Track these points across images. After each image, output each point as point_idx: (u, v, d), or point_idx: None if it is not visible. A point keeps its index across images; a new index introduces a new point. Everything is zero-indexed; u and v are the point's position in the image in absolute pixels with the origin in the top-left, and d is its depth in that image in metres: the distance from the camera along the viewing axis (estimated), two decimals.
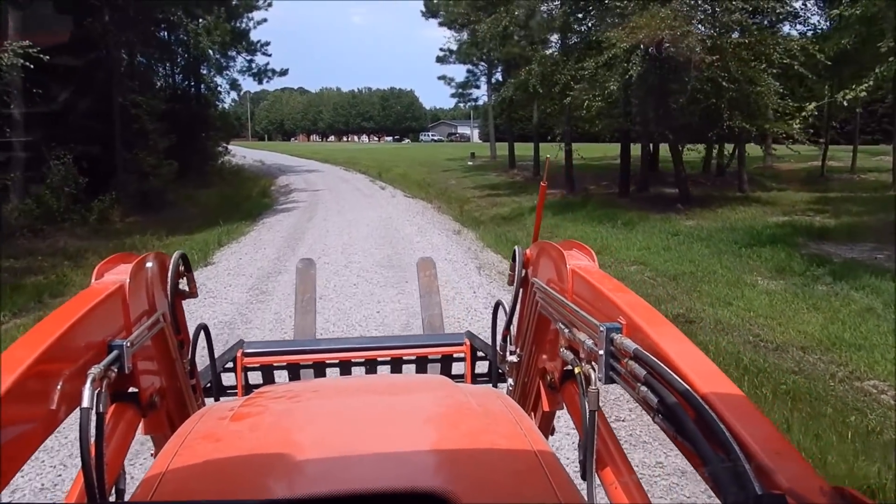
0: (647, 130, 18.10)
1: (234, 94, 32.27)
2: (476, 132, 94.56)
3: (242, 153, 56.04)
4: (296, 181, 30.25)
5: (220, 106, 31.97)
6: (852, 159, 26.92)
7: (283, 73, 33.10)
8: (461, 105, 41.50)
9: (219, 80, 31.75)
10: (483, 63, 37.42)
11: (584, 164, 34.97)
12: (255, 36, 32.24)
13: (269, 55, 32.44)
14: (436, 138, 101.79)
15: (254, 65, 32.27)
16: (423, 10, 35.44)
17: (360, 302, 8.33)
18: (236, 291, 8.84)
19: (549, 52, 23.29)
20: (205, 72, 29.73)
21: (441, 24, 37.49)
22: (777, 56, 14.25)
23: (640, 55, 13.83)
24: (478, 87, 38.94)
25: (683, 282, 9.17)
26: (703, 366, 1.05)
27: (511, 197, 23.73)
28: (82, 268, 10.98)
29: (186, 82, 28.87)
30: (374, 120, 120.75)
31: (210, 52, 28.20)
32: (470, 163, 40.04)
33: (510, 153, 33.66)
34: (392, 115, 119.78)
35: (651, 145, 25.93)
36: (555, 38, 22.78)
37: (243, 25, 31.51)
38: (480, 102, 45.10)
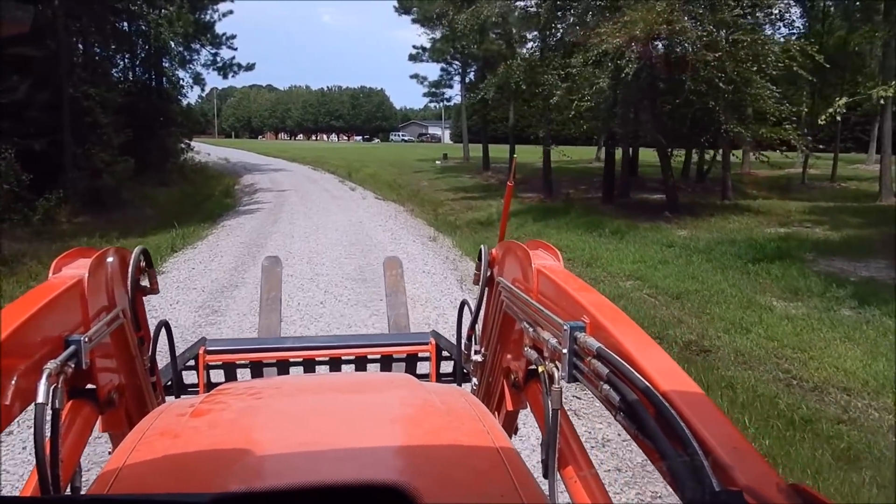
0: (635, 133, 17.17)
1: (197, 90, 30.59)
2: (447, 133, 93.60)
3: (207, 150, 54.43)
4: (261, 181, 28.96)
5: (184, 101, 30.45)
6: (833, 167, 26.39)
7: (250, 67, 31.80)
8: (433, 105, 40.45)
9: (182, 73, 30.30)
10: (457, 62, 36.44)
11: (559, 167, 34.24)
12: (220, 29, 30.91)
13: (235, 49, 31.12)
14: (406, 138, 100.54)
15: (219, 58, 30.84)
16: (396, 5, 34.27)
17: (327, 326, 7.23)
18: (184, 311, 7.68)
19: (528, 49, 22.41)
20: (167, 65, 28.28)
21: (414, 21, 36.45)
22: (773, 58, 13.43)
23: (635, 52, 12.89)
24: (451, 86, 37.92)
25: (689, 302, 8.23)
26: (664, 364, 1.05)
27: (486, 200, 22.75)
28: (17, 275, 9.74)
29: (147, 75, 27.41)
30: (344, 119, 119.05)
31: (172, 43, 26.77)
32: (439, 163, 39.03)
33: (484, 155, 32.72)
34: (362, 115, 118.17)
35: (631, 149, 25.21)
36: (534, 35, 21.87)
37: (208, 17, 30.15)
38: (453, 102, 44.22)
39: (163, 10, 24.60)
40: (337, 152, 55.05)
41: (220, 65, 31.06)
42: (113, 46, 24.43)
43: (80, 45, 21.95)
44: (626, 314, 1.26)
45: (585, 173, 31.21)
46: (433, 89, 38.92)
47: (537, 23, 18.51)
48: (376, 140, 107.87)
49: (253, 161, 43.14)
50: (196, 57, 30.53)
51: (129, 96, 25.91)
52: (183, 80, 29.59)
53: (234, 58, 31.34)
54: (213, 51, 30.57)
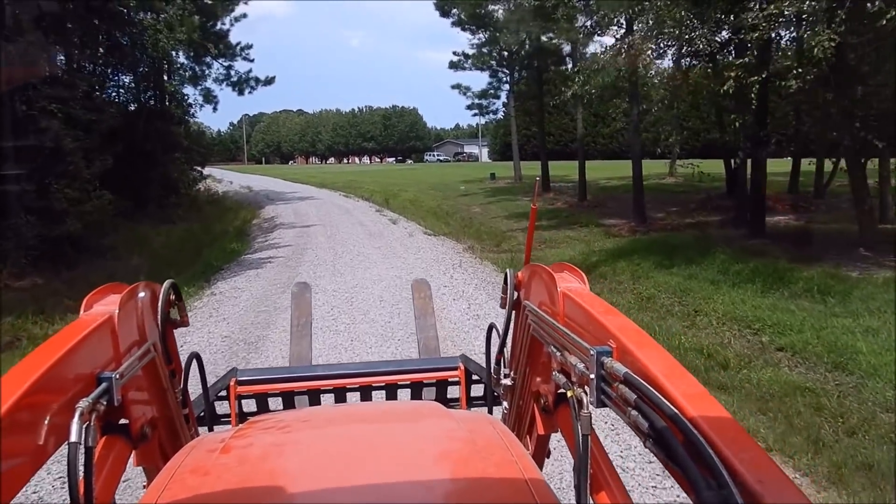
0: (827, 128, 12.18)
1: (209, 108, 26.27)
2: (485, 151, 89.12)
3: (230, 178, 50.71)
4: (284, 213, 24.51)
5: (192, 122, 26.17)
6: None
7: (269, 81, 27.43)
8: (476, 119, 35.74)
9: (190, 90, 26.12)
10: (504, 69, 31.82)
11: (616, 185, 29.39)
12: (235, 38, 26.73)
13: (252, 60, 26.82)
14: (441, 158, 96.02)
15: (233, 72, 26.57)
16: (435, 5, 29.85)
17: None
18: None
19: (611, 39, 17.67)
20: (170, 80, 24.07)
21: (454, 25, 31.99)
22: None
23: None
24: (499, 96, 33.22)
25: None
26: (691, 388, 1.05)
27: (562, 231, 18.01)
28: None
29: (146, 93, 23.19)
30: (376, 140, 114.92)
31: (174, 53, 22.56)
32: (480, 184, 34.35)
33: (544, 173, 27.91)
34: (395, 135, 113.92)
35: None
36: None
37: (221, 26, 25.98)
38: (501, 114, 39.65)
39: (161, 14, 20.44)
40: (370, 175, 50.66)
41: (234, 79, 26.76)
42: (101, 59, 20.28)
43: (63, 57, 17.88)
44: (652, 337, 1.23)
45: (661, 191, 26.24)
46: (478, 100, 34.21)
47: None
48: (409, 161, 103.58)
49: (278, 188, 38.83)
50: (207, 71, 26.38)
51: (124, 117, 21.77)
52: (189, 98, 25.35)
53: (250, 71, 27.02)
54: (225, 63, 26.29)
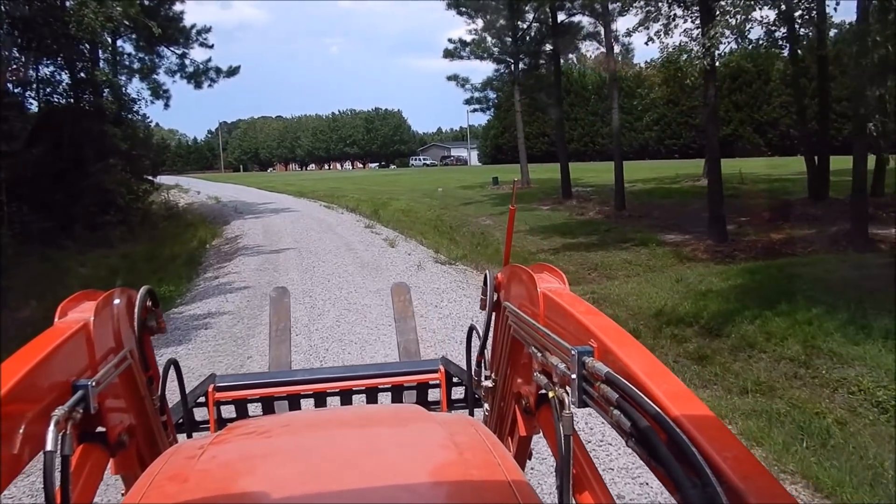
0: None
1: (160, 105, 21.59)
2: (475, 154, 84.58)
3: (199, 187, 45.85)
4: (251, 230, 19.89)
5: (137, 121, 21.44)
6: None
7: (233, 72, 22.76)
8: (479, 113, 31.27)
9: (136, 84, 21.49)
10: (508, 57, 27.41)
11: (641, 190, 25.07)
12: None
13: (210, 46, 22.20)
14: (428, 162, 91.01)
15: (188, 61, 21.94)
16: None
17: None
18: None
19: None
20: (107, 69, 19.41)
21: (450, 7, 27.68)
22: None
23: None
24: (503, 88, 28.72)
25: None
26: (674, 388, 1.04)
27: (613, 251, 13.66)
28: None
29: (74, 87, 18.51)
30: (358, 145, 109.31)
31: (106, 35, 17.96)
32: (482, 190, 29.90)
33: (564, 177, 23.49)
34: (378, 139, 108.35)
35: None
36: None
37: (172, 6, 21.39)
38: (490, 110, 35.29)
39: None
40: (353, 182, 45.96)
41: (191, 70, 22.13)
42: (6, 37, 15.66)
43: None
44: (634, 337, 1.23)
45: (693, 195, 21.91)
46: (476, 93, 29.70)
47: None
48: (393, 167, 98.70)
49: (251, 199, 34.02)
50: (158, 62, 21.75)
51: (45, 115, 17.21)
52: (129, 93, 20.66)
53: (209, 60, 22.40)
54: (178, 51, 21.66)
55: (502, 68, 27.60)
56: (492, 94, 29.60)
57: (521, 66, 27.39)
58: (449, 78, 29.05)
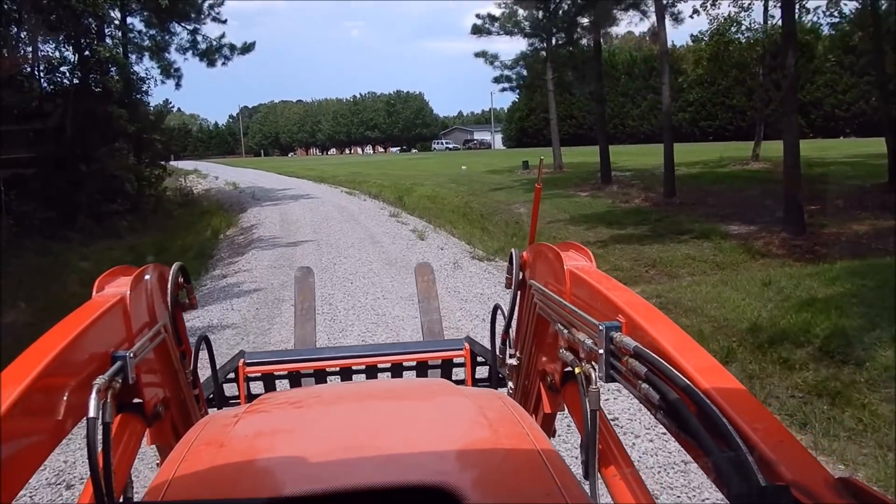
0: None
1: (171, 85, 20.22)
2: (498, 137, 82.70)
3: (218, 173, 44.63)
4: (268, 219, 18.51)
5: (146, 102, 20.09)
6: None
7: (248, 48, 21.32)
8: (511, 90, 29.57)
9: (147, 64, 20.13)
10: (541, 32, 25.68)
11: (685, 175, 23.24)
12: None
13: (224, 21, 20.76)
14: (451, 146, 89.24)
15: (200, 38, 20.53)
16: None
17: None
18: None
19: None
20: (111, 45, 18.03)
21: None
22: None
23: None
24: (537, 64, 26.99)
25: None
26: (703, 361, 1.04)
27: (669, 245, 12.13)
28: None
29: (79, 65, 17.16)
30: (380, 128, 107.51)
31: (114, 11, 16.57)
32: (510, 175, 28.27)
33: (603, 160, 21.83)
34: (399, 122, 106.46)
35: None
36: None
37: None
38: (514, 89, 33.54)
39: None
40: (375, 167, 44.49)
41: (203, 48, 20.72)
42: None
43: None
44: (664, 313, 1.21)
45: (760, 181, 20.16)
46: (506, 71, 27.98)
47: None
48: (414, 150, 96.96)
49: (270, 185, 32.67)
50: (168, 38, 20.36)
51: (45, 97, 15.89)
52: (138, 72, 19.29)
53: (223, 36, 20.97)
54: (189, 27, 20.24)
55: (536, 42, 25.86)
56: (524, 72, 27.80)
57: (554, 41, 25.72)
58: (477, 55, 27.41)
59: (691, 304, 8.00)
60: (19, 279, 11.20)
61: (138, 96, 18.63)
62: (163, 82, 20.15)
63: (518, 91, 33.58)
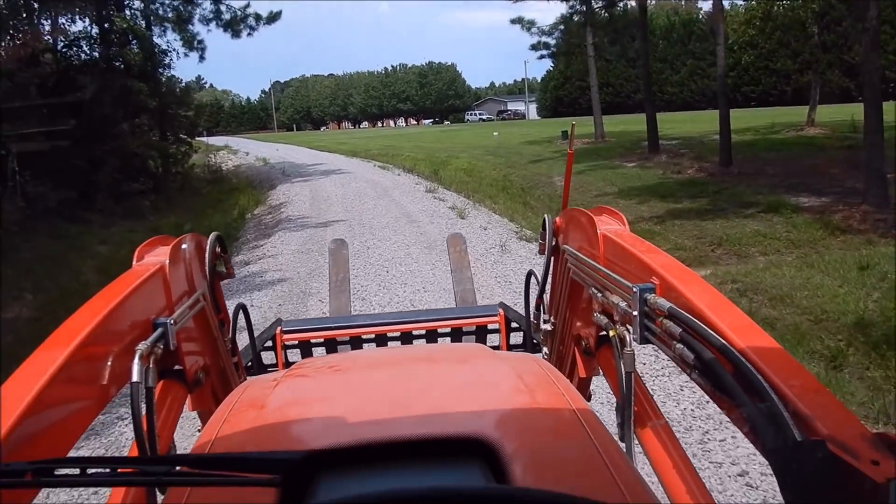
0: None
1: (195, 58, 19.29)
2: (533, 107, 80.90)
3: (249, 148, 43.96)
4: (298, 197, 17.62)
5: (169, 76, 19.21)
6: None
7: (274, 17, 20.32)
8: (550, 57, 28.22)
9: (171, 36, 19.21)
10: None
11: (743, 141, 21.77)
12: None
13: None
14: (484, 117, 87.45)
15: (224, 7, 19.57)
16: None
17: None
18: None
19: None
20: (130, 14, 17.16)
21: None
22: None
23: None
24: (580, 28, 25.56)
25: None
26: (738, 320, 1.04)
27: (733, 220, 11.04)
28: None
29: (95, 38, 16.31)
30: (412, 101, 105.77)
31: None
32: (549, 146, 26.95)
33: (650, 129, 20.50)
34: (432, 94, 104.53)
35: None
36: None
37: None
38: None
39: None
40: (408, 139, 43.38)
41: (227, 18, 19.76)
42: None
43: None
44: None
45: (819, 147, 18.70)
46: (544, 37, 26.60)
47: None
48: (447, 122, 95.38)
49: (301, 159, 31.77)
50: (191, 9, 19.43)
51: (67, 72, 15.13)
52: (168, 46, 18.40)
53: (247, 6, 19.98)
54: None
55: (576, 3, 24.41)
56: (561, 39, 26.38)
57: (594, 3, 24.29)
58: (513, 21, 26.07)
59: (776, 292, 6.91)
60: (29, 267, 10.46)
61: (160, 70, 17.74)
62: (186, 55, 19.24)
63: (555, 59, 32.11)
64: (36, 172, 13.72)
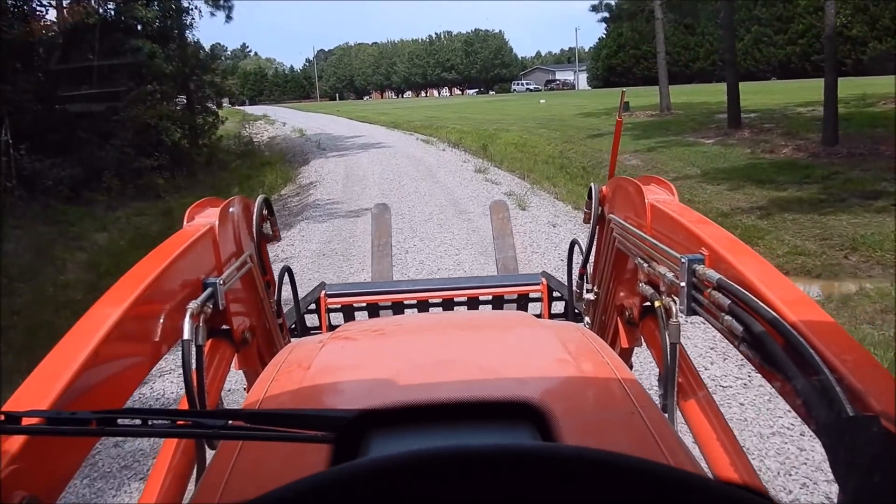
0: None
1: (220, 17, 17.34)
2: (583, 77, 77.69)
3: (287, 118, 42.17)
4: (331, 175, 15.67)
5: (193, 39, 17.33)
6: None
7: None
8: (611, 22, 25.70)
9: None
10: None
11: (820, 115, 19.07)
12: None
13: None
14: (532, 87, 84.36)
15: None
16: None
17: None
18: None
19: None
20: None
21: None
22: None
23: None
24: None
25: None
26: (791, 294, 1.01)
27: (857, 214, 8.79)
28: None
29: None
30: (457, 70, 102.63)
31: None
32: (609, 118, 24.51)
33: (731, 99, 18.00)
34: (477, 63, 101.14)
35: None
36: None
37: None
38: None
39: None
40: (453, 110, 41.07)
41: None
42: None
43: None
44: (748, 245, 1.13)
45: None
46: None
47: None
48: (492, 92, 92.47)
49: (339, 131, 29.77)
50: None
51: (70, 32, 13.37)
52: (188, 3, 16.46)
53: None
54: None
55: None
56: None
57: None
58: None
59: None
60: (6, 262, 8.73)
61: (175, 31, 15.83)
62: (212, 14, 17.33)
63: (615, 22, 29.49)
64: (34, 146, 12.01)
